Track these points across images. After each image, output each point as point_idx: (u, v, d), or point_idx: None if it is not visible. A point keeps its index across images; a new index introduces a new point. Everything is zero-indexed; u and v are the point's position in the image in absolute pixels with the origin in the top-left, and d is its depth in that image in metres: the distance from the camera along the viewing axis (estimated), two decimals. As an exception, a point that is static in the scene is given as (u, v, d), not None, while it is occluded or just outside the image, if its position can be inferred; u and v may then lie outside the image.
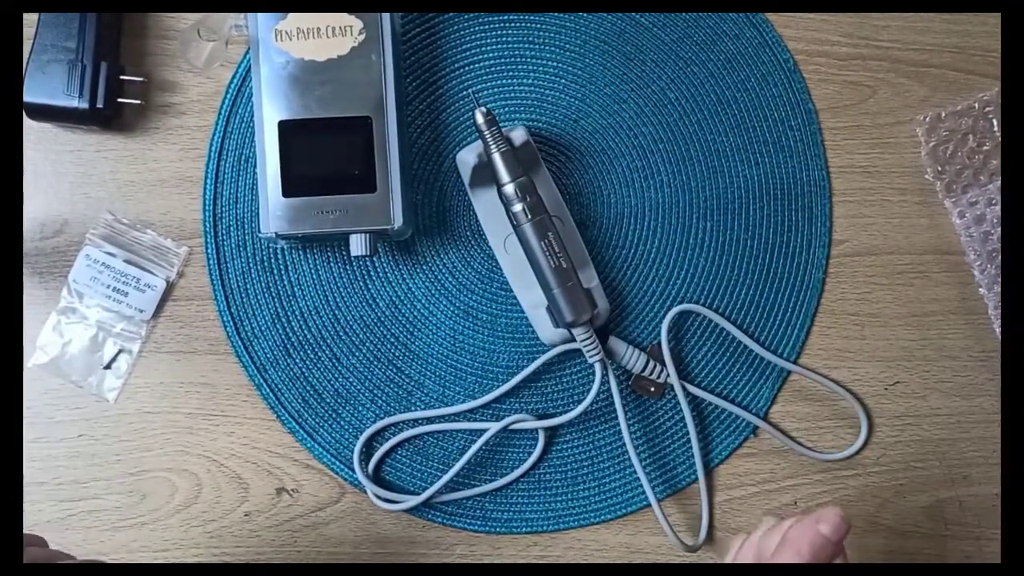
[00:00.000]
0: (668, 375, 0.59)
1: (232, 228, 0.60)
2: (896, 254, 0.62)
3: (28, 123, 0.59)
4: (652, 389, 0.60)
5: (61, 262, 0.60)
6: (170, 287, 0.60)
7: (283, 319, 0.60)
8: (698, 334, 0.61)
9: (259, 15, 0.56)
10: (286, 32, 0.55)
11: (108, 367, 0.59)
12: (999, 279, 0.61)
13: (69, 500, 0.59)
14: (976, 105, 0.62)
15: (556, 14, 0.62)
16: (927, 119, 0.62)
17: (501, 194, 0.56)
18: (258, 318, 0.60)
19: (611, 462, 0.60)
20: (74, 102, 0.57)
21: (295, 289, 0.60)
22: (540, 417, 0.60)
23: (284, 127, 0.56)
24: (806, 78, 0.62)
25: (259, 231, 0.57)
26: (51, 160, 0.60)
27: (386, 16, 0.56)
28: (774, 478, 0.61)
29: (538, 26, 0.62)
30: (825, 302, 0.62)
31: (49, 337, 0.59)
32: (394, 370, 0.60)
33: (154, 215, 0.60)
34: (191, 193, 0.60)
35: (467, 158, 0.57)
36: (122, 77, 0.59)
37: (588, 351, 0.57)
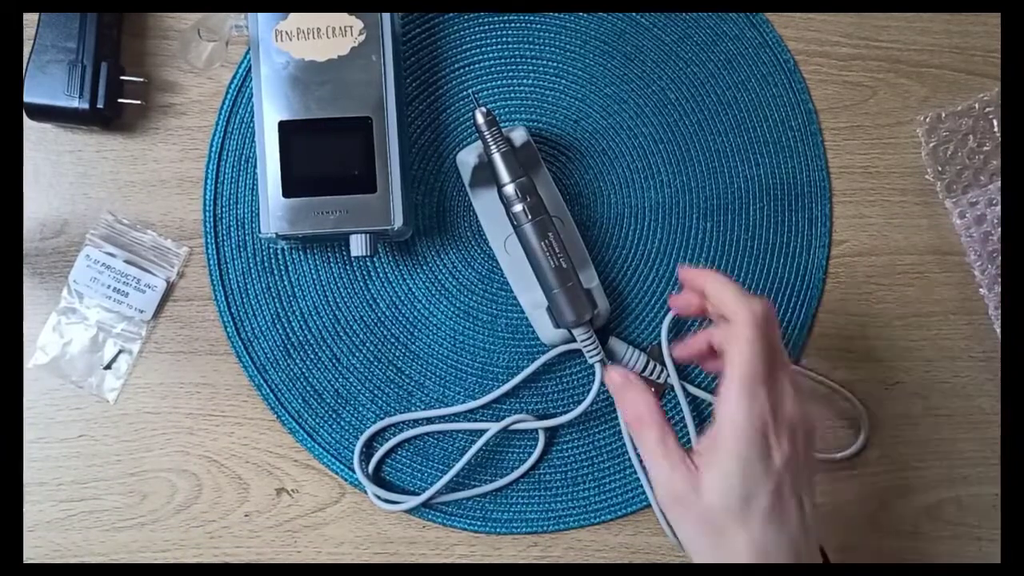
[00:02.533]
0: (668, 375, 0.59)
1: (232, 228, 0.60)
2: (896, 254, 0.62)
3: (28, 123, 0.59)
4: (652, 389, 0.60)
5: (61, 262, 0.59)
6: (170, 287, 0.60)
7: (283, 319, 0.60)
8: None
9: (259, 15, 0.56)
10: (286, 32, 0.55)
11: (108, 367, 0.59)
12: (999, 279, 0.61)
13: (69, 500, 0.59)
14: (976, 105, 0.62)
15: (556, 14, 0.62)
16: (927, 119, 0.62)
17: (501, 194, 0.56)
18: (258, 318, 0.60)
19: (611, 462, 0.60)
20: (74, 102, 0.57)
21: (295, 289, 0.60)
22: (540, 417, 0.60)
23: (284, 127, 0.56)
24: (806, 78, 0.63)
25: (259, 231, 0.57)
26: (51, 160, 0.60)
27: (386, 16, 0.56)
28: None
29: (538, 26, 0.62)
30: (825, 302, 0.62)
31: (49, 337, 0.59)
32: (394, 370, 0.60)
33: (154, 215, 0.60)
34: (191, 193, 0.60)
35: (467, 158, 0.57)
36: (122, 77, 0.59)
37: (588, 351, 0.57)
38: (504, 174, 0.55)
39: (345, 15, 0.55)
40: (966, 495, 0.61)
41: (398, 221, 0.56)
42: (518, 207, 0.56)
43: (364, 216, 0.56)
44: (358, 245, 0.56)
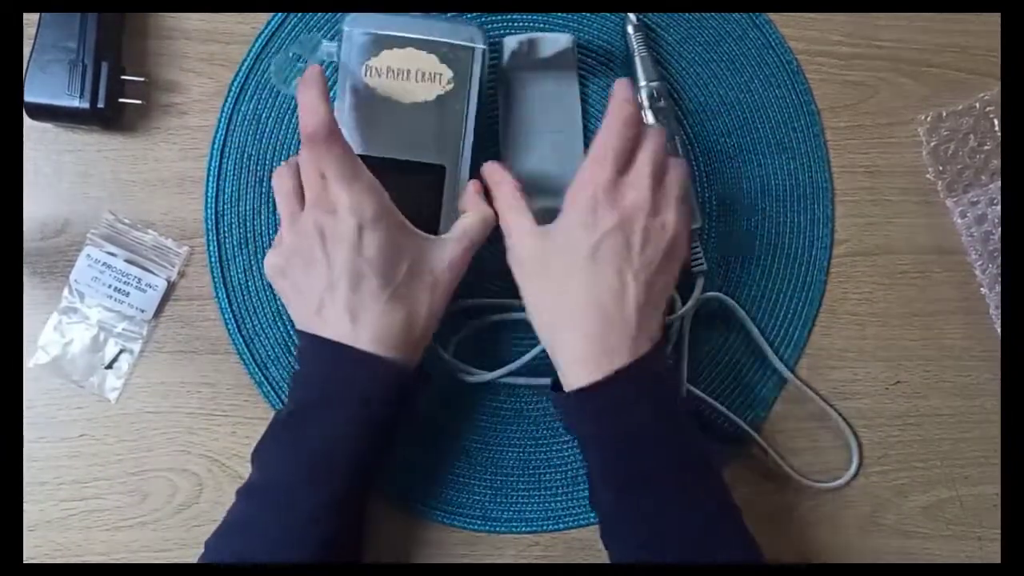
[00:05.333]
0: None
1: (233, 227, 0.60)
2: (897, 254, 0.62)
3: (29, 123, 0.59)
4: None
5: (62, 262, 0.59)
6: (171, 287, 0.60)
7: (284, 317, 0.60)
8: (700, 339, 0.61)
9: (353, 48, 0.55)
10: (376, 69, 0.55)
11: (109, 367, 0.59)
12: (1000, 279, 0.61)
13: (70, 500, 0.59)
14: (977, 105, 0.62)
15: (560, 14, 0.62)
16: (928, 119, 0.62)
17: (636, 92, 0.58)
18: (259, 317, 0.60)
19: (612, 462, 0.60)
20: (75, 102, 0.57)
21: (296, 289, 0.60)
22: None
23: None
24: (807, 78, 0.63)
25: None
26: (52, 160, 0.60)
27: (476, 69, 0.56)
28: (773, 479, 0.61)
29: (541, 26, 0.62)
30: (826, 302, 0.62)
31: (50, 337, 0.59)
32: (395, 370, 0.60)
33: (155, 215, 0.60)
34: (192, 193, 0.60)
35: (511, 43, 0.59)
36: (123, 77, 0.59)
37: (693, 261, 0.59)
38: (642, 75, 0.59)
39: (435, 61, 0.55)
40: (967, 495, 0.61)
41: None
42: (648, 108, 0.59)
43: None
44: None
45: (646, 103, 0.59)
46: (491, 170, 0.56)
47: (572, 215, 0.51)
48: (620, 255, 0.50)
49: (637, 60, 0.60)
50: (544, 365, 0.54)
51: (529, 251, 0.53)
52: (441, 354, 0.58)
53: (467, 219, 0.54)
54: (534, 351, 0.56)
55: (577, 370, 0.50)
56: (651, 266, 0.50)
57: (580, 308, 0.50)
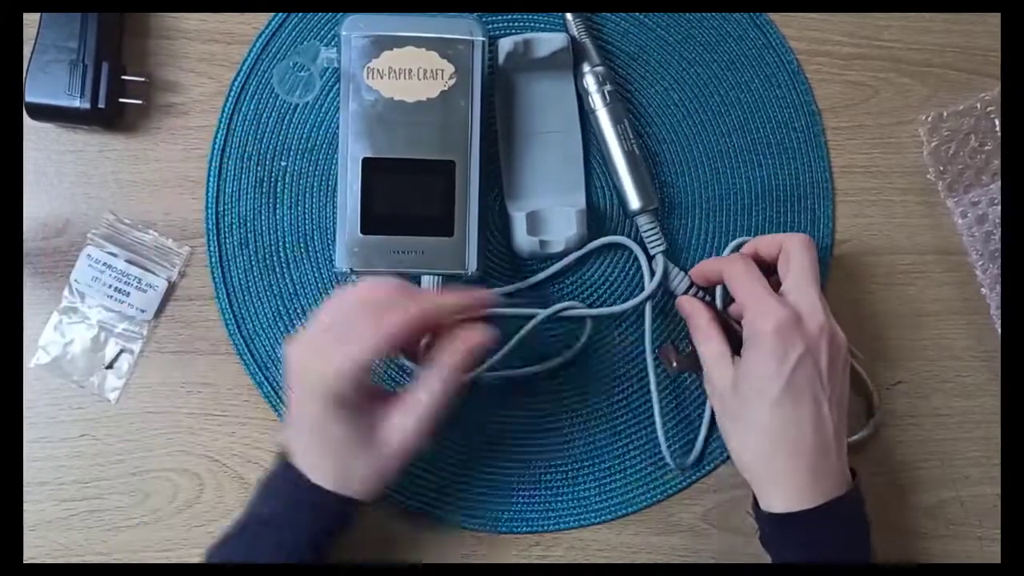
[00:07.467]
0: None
1: (234, 227, 0.60)
2: (898, 254, 0.62)
3: (29, 123, 0.59)
4: (673, 363, 0.59)
5: (63, 262, 0.59)
6: (172, 287, 0.60)
7: (285, 318, 0.60)
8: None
9: (353, 52, 0.55)
10: (378, 71, 0.55)
11: (110, 367, 0.59)
12: (1001, 279, 0.61)
13: (71, 500, 0.59)
14: (978, 105, 0.62)
15: (559, 14, 0.62)
16: (929, 119, 0.62)
17: (581, 79, 0.59)
18: (260, 317, 0.60)
19: (612, 462, 0.60)
20: (75, 102, 0.57)
21: (297, 288, 0.60)
22: (589, 306, 0.60)
23: (368, 164, 0.55)
24: (808, 78, 0.63)
25: (334, 266, 0.57)
26: (52, 160, 0.60)
27: (477, 62, 0.56)
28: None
29: (541, 26, 0.62)
30: (827, 302, 0.62)
31: (51, 337, 0.59)
32: (395, 368, 0.60)
33: (156, 215, 0.60)
34: (193, 193, 0.60)
35: (506, 44, 0.58)
36: (124, 77, 0.59)
37: (650, 241, 0.59)
38: (587, 61, 0.59)
39: (436, 57, 0.55)
40: (967, 495, 0.61)
41: (472, 267, 0.56)
42: (597, 91, 0.59)
43: (439, 259, 0.56)
44: (429, 287, 0.56)
45: (594, 86, 0.59)
46: (682, 303, 0.58)
47: (760, 347, 0.51)
48: (814, 383, 0.51)
49: (582, 46, 0.59)
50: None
51: (724, 382, 0.53)
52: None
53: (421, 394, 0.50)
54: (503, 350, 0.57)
55: (788, 496, 0.51)
56: (838, 387, 0.52)
57: (785, 439, 0.51)
